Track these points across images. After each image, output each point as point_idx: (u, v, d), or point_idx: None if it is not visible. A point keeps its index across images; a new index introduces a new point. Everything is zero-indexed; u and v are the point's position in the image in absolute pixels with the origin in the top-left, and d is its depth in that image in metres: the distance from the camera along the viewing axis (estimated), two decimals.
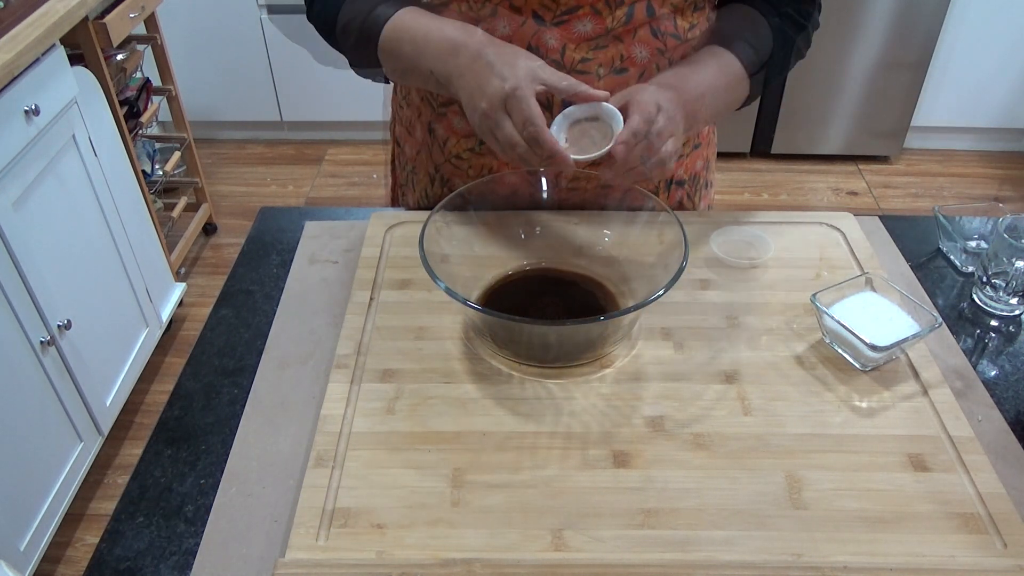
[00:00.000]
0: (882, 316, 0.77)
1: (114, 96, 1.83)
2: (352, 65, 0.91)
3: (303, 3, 0.93)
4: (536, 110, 0.74)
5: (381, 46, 0.85)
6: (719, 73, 0.86)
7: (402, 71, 0.87)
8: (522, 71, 0.76)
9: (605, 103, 0.77)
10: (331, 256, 0.92)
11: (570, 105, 0.79)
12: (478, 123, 0.78)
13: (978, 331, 0.84)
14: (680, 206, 1.02)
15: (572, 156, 0.76)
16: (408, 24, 0.84)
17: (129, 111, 2.01)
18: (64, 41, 1.60)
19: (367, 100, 2.87)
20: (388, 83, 0.93)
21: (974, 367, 0.78)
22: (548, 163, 0.76)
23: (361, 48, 0.87)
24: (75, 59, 1.71)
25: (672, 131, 0.77)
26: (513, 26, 0.84)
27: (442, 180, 1.00)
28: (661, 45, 0.87)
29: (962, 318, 0.86)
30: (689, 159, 1.00)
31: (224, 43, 2.73)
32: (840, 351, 0.78)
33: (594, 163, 0.78)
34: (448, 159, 0.98)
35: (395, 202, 1.14)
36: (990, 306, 0.86)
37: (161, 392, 2.02)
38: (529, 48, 0.84)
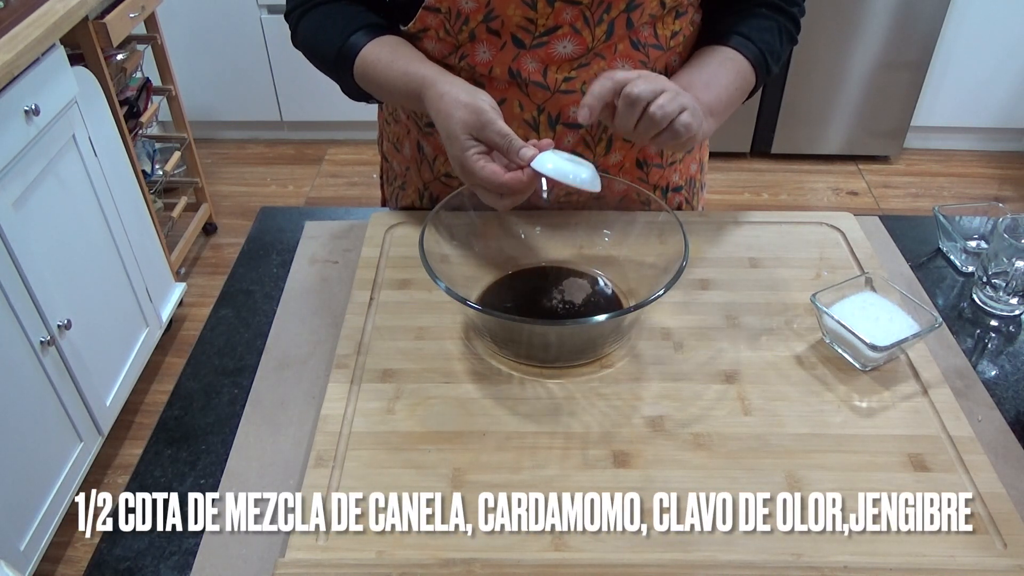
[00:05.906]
0: (882, 316, 0.77)
1: (114, 96, 1.83)
2: (343, 91, 0.91)
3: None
4: (495, 168, 0.73)
5: (355, 77, 0.86)
6: (720, 67, 0.86)
7: (383, 98, 0.89)
8: (458, 127, 0.75)
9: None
10: (331, 256, 0.92)
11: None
12: (456, 170, 0.78)
13: (978, 331, 0.84)
14: (678, 210, 1.02)
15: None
16: (372, 59, 0.84)
17: (129, 111, 2.01)
18: (64, 41, 1.60)
19: None
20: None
21: (974, 367, 0.78)
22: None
23: (341, 76, 0.88)
24: (75, 59, 1.71)
25: (662, 87, 0.74)
26: (493, 50, 0.84)
27: (432, 198, 1.00)
28: (643, 57, 0.86)
29: (962, 318, 0.86)
30: (683, 164, 1.00)
31: (224, 43, 2.73)
32: (840, 351, 0.78)
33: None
34: (437, 178, 0.98)
35: None
36: (990, 306, 0.86)
37: (161, 392, 2.02)
38: (510, 72, 0.84)
